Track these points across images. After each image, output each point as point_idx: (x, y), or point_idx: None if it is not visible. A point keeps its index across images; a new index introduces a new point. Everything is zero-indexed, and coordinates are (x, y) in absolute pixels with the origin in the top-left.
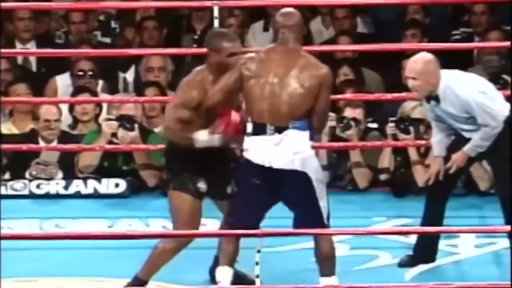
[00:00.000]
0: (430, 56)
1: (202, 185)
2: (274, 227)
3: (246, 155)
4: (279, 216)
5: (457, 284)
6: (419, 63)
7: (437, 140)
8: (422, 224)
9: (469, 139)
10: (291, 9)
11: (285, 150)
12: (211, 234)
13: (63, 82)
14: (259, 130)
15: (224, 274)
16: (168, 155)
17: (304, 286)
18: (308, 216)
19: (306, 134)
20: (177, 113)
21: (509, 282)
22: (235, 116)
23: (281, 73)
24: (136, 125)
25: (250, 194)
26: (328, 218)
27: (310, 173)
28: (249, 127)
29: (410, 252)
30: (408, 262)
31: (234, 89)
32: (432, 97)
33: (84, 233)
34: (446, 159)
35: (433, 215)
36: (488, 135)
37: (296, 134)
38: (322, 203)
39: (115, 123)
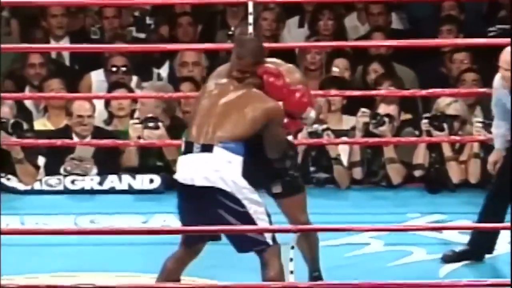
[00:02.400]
0: None
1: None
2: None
3: (175, 175)
4: (310, 212)
5: (492, 281)
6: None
7: (501, 134)
8: (479, 220)
9: None
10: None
11: (206, 167)
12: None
13: (97, 78)
14: (188, 148)
15: None
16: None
17: (337, 283)
18: (241, 236)
19: (235, 156)
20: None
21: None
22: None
23: (227, 100)
24: (160, 124)
25: (180, 214)
26: (274, 239)
27: (236, 193)
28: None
29: (445, 248)
30: (452, 258)
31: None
32: None
33: (119, 229)
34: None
35: (494, 211)
36: None
37: (222, 153)
38: (263, 224)
39: (139, 126)
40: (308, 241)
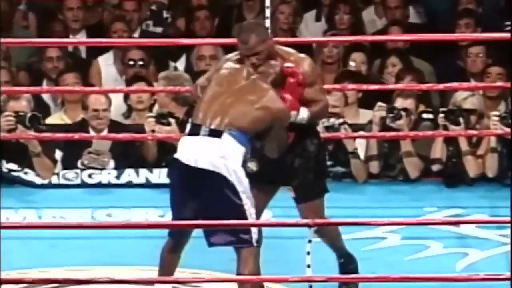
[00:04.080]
0: None
1: None
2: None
3: (176, 154)
4: (327, 206)
5: (508, 274)
6: None
7: None
8: None
9: None
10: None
11: (213, 151)
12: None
13: (105, 62)
14: (194, 130)
15: None
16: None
17: (355, 276)
18: (228, 230)
19: (240, 147)
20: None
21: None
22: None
23: (239, 88)
24: (172, 120)
25: (174, 193)
26: (259, 240)
27: (237, 184)
28: (187, 128)
29: (462, 242)
30: None
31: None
32: None
33: (136, 223)
34: None
35: None
36: None
37: (229, 140)
38: (251, 221)
39: (152, 120)
40: (328, 233)
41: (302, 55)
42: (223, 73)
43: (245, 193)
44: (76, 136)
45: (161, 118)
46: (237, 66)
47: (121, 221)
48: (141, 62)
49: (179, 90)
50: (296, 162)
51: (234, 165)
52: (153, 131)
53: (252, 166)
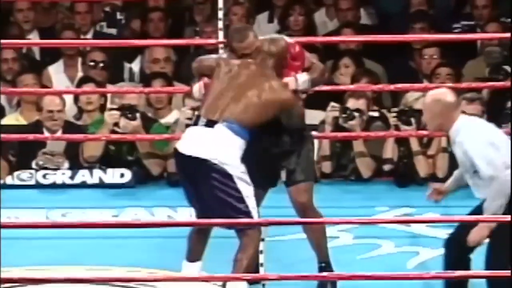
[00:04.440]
0: (444, 97)
1: None
2: (276, 217)
3: (176, 145)
4: (282, 205)
5: (459, 273)
6: (429, 98)
7: (455, 174)
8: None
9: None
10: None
11: (204, 140)
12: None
13: (56, 71)
14: (195, 121)
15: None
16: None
17: (306, 275)
18: (225, 210)
19: (236, 138)
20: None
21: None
22: None
23: (241, 82)
24: (138, 115)
25: (181, 183)
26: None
27: (229, 169)
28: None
29: (413, 241)
30: None
31: (202, 70)
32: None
33: (91, 222)
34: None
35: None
36: (497, 191)
37: (224, 131)
38: (251, 203)
39: (117, 113)
40: (313, 232)
41: (275, 36)
42: (224, 69)
43: (239, 178)
44: (31, 137)
45: (127, 112)
46: (238, 61)
47: (77, 221)
48: (101, 64)
49: (133, 91)
50: (291, 145)
51: (226, 152)
52: (115, 124)
53: None
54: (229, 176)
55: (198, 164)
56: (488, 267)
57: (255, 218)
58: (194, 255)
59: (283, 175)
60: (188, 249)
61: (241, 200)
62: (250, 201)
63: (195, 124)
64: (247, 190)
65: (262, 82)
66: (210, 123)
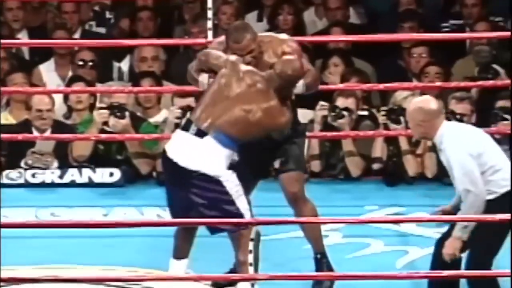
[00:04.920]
0: (427, 105)
1: None
2: (266, 216)
3: (165, 146)
4: (272, 205)
5: (447, 272)
6: (412, 105)
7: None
8: None
9: None
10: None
11: (195, 152)
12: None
13: (47, 69)
14: (186, 126)
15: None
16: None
17: (296, 274)
18: (217, 215)
19: (224, 149)
20: None
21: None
22: None
23: (238, 94)
24: (127, 113)
25: (165, 180)
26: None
27: (215, 176)
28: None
29: (402, 240)
30: None
31: (209, 66)
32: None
33: (81, 222)
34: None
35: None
36: (470, 205)
37: (210, 142)
38: (242, 205)
39: (106, 112)
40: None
41: (282, 36)
42: (230, 73)
43: (228, 181)
44: (20, 136)
45: (116, 111)
46: (245, 68)
47: (66, 220)
48: (91, 63)
49: (122, 91)
50: (283, 139)
51: (212, 163)
52: (105, 123)
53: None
54: (216, 182)
55: (186, 173)
56: (468, 267)
57: (246, 217)
58: (180, 252)
59: (276, 164)
60: (174, 246)
61: (232, 202)
62: (241, 202)
63: (186, 128)
64: (236, 191)
65: (262, 101)
66: (200, 133)
